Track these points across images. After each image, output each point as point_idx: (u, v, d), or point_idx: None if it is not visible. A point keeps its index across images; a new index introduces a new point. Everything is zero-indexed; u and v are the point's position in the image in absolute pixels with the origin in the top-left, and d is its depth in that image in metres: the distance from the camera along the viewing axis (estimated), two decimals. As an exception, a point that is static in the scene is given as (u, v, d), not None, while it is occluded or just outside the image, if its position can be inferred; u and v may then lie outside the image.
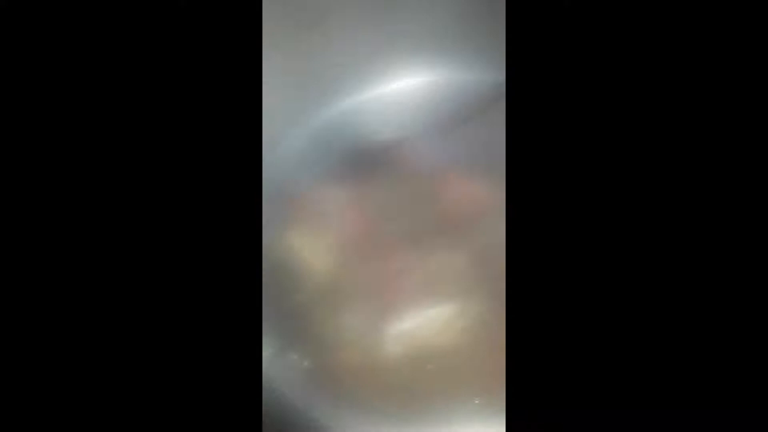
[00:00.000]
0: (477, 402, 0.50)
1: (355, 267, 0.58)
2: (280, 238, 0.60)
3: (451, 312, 0.55)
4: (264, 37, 0.45)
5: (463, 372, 0.52)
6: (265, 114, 0.49)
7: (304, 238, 0.60)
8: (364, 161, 0.63)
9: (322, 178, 0.63)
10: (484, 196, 0.59)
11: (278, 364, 0.54)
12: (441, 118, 0.64)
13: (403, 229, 0.59)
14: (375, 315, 0.55)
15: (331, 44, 0.64)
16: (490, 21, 0.59)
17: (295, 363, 0.54)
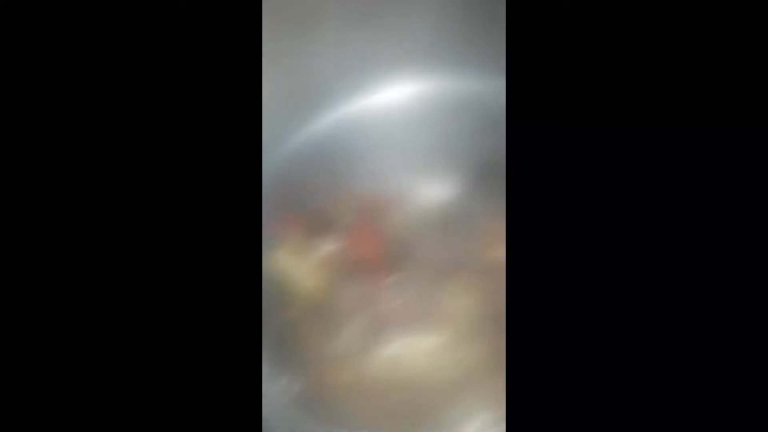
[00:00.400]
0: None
1: (348, 285, 0.57)
2: (275, 253, 0.59)
3: (446, 333, 0.54)
4: (264, 40, 0.45)
5: (459, 393, 0.51)
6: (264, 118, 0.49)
7: (296, 253, 0.59)
8: (362, 173, 0.63)
9: (317, 188, 0.62)
10: (484, 215, 0.58)
11: (268, 385, 0.53)
12: (441, 128, 0.64)
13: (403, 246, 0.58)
14: (367, 335, 0.54)
15: (329, 50, 0.64)
16: (490, 25, 0.60)
17: (284, 386, 0.53)
